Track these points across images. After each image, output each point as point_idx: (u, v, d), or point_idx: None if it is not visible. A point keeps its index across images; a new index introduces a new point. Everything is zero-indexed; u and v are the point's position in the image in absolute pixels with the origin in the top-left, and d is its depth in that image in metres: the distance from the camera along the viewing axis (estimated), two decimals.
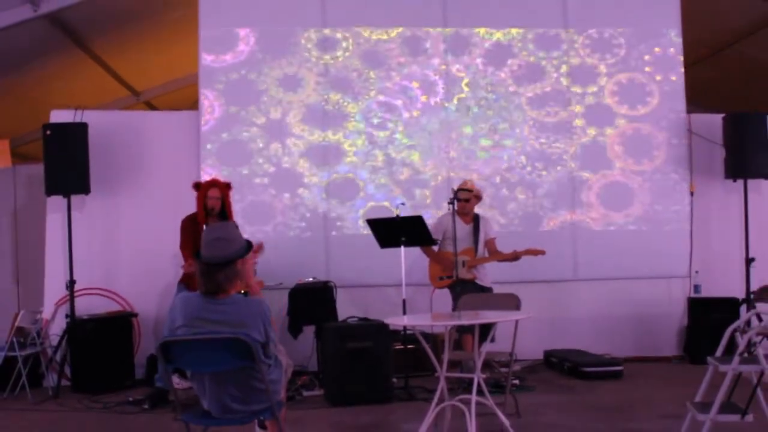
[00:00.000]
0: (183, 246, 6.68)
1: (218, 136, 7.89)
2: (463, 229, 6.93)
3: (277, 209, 7.95)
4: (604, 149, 8.28)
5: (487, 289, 6.91)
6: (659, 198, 8.27)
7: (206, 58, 7.91)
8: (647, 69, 8.36)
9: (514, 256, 6.82)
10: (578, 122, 8.27)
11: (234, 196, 7.11)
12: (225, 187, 6.77)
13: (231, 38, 7.95)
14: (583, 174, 8.24)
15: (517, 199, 8.18)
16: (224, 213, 6.72)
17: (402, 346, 7.00)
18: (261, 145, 7.93)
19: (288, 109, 7.99)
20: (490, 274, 7.11)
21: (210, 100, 7.89)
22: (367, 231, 6.95)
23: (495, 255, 7.01)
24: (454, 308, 6.58)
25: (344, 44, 8.11)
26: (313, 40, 8.06)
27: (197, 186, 6.75)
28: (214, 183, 6.75)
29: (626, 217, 8.23)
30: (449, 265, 6.87)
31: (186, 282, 6.56)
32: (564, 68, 8.30)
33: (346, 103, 8.07)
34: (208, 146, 7.86)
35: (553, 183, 8.22)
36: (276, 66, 8.00)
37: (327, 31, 8.06)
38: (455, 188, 6.98)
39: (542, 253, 6.79)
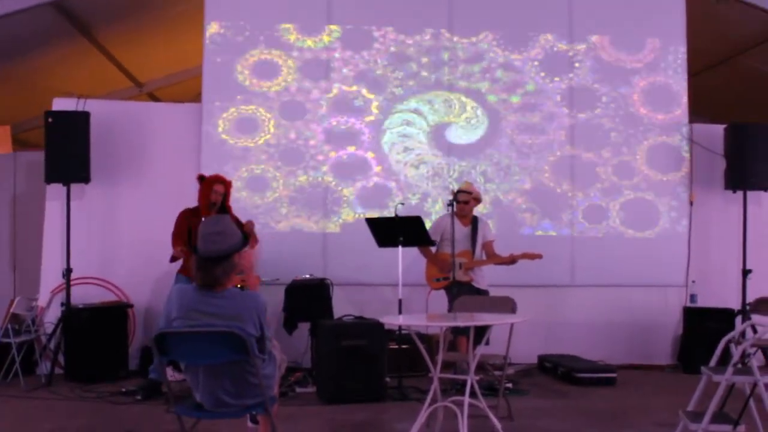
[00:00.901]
0: (174, 236, 6.70)
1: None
2: (461, 231, 6.94)
3: (274, 202, 7.99)
4: (605, 154, 8.28)
5: (483, 292, 6.93)
6: (658, 207, 8.29)
7: (210, 52, 7.94)
8: (650, 77, 8.36)
9: (511, 260, 6.86)
10: (578, 122, 8.29)
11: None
12: (228, 185, 6.81)
13: (234, 31, 7.98)
14: (580, 180, 8.25)
15: (515, 202, 8.20)
16: (224, 209, 6.75)
17: (396, 346, 7.00)
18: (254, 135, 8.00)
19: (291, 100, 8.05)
20: (487, 276, 7.13)
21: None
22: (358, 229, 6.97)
23: (492, 258, 7.04)
24: (450, 309, 6.60)
25: (341, 34, 8.15)
26: (308, 33, 8.11)
27: (201, 179, 6.76)
28: (219, 179, 6.77)
29: (625, 224, 8.24)
30: (446, 266, 6.89)
31: (187, 273, 6.59)
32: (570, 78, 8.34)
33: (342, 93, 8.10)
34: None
35: (550, 187, 8.22)
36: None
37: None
38: (454, 190, 7.01)
39: (539, 257, 6.81)
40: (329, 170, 8.03)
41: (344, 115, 8.08)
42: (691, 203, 8.32)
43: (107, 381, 6.94)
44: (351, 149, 8.06)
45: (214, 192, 6.64)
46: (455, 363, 6.33)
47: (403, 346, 7.00)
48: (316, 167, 8.01)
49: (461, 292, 6.55)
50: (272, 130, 7.99)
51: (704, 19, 8.64)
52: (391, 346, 6.90)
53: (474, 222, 7.11)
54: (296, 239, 7.92)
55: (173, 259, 6.61)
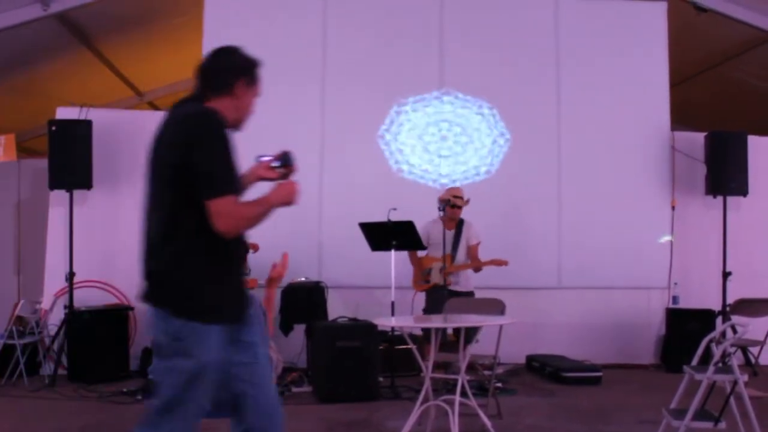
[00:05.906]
0: None
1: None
2: (446, 234, 6.97)
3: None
4: (589, 161, 8.39)
5: (463, 294, 6.92)
6: (641, 211, 8.38)
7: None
8: (635, 86, 8.47)
9: (477, 267, 6.96)
10: (564, 129, 8.44)
11: None
12: None
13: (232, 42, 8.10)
14: (568, 186, 8.36)
15: (503, 206, 8.26)
16: None
17: (389, 346, 7.07)
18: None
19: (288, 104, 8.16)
20: (473, 279, 7.16)
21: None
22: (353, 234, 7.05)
23: (473, 262, 7.08)
24: (425, 312, 6.81)
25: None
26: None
27: None
28: None
29: (609, 228, 8.30)
30: (425, 271, 7.04)
31: None
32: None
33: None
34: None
35: (537, 193, 8.34)
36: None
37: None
38: (445, 197, 7.06)
39: (505, 263, 6.84)
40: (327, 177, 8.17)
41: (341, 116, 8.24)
42: (673, 208, 8.43)
43: (109, 381, 7.02)
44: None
45: None
46: (447, 363, 6.38)
47: (396, 347, 7.08)
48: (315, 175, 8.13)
49: (439, 296, 6.62)
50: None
51: (685, 31, 8.77)
52: (384, 347, 7.00)
53: (459, 225, 7.12)
54: (292, 243, 7.97)
55: None
